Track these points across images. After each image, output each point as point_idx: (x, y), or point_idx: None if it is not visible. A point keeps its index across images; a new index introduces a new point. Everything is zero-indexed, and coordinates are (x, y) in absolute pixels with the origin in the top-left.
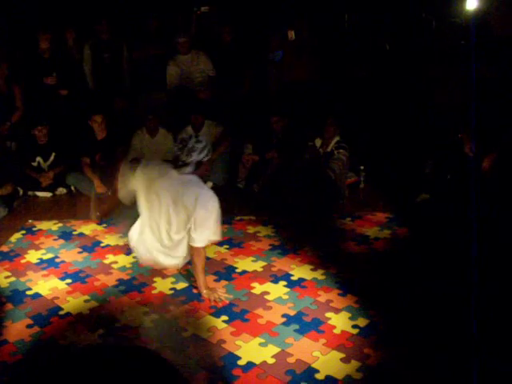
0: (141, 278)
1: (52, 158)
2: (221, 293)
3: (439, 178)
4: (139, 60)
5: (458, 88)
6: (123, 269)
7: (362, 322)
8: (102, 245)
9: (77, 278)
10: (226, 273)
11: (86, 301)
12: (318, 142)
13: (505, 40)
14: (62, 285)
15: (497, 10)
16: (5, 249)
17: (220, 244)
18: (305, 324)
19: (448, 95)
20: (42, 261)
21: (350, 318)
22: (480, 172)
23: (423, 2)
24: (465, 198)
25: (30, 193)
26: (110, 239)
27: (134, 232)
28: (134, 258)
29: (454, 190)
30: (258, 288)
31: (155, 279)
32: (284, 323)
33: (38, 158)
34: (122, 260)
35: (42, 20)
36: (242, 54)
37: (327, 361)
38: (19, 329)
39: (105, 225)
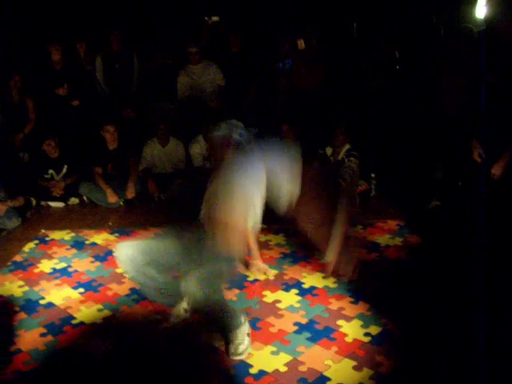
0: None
1: (64, 170)
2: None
3: (450, 184)
4: (150, 70)
5: (467, 94)
6: None
7: (373, 329)
8: (114, 254)
9: (89, 287)
10: (238, 281)
11: (98, 310)
12: (329, 151)
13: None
14: (74, 294)
15: (504, 17)
16: (18, 258)
17: None
18: (316, 332)
19: (458, 101)
20: (54, 270)
21: (362, 326)
22: (490, 178)
23: (433, 8)
24: (476, 204)
25: (42, 203)
26: None
27: None
28: None
29: (465, 197)
30: (269, 296)
31: None
32: (296, 331)
33: (51, 171)
34: None
35: (54, 32)
36: (250, 63)
37: (339, 369)
38: (33, 338)
39: (117, 234)
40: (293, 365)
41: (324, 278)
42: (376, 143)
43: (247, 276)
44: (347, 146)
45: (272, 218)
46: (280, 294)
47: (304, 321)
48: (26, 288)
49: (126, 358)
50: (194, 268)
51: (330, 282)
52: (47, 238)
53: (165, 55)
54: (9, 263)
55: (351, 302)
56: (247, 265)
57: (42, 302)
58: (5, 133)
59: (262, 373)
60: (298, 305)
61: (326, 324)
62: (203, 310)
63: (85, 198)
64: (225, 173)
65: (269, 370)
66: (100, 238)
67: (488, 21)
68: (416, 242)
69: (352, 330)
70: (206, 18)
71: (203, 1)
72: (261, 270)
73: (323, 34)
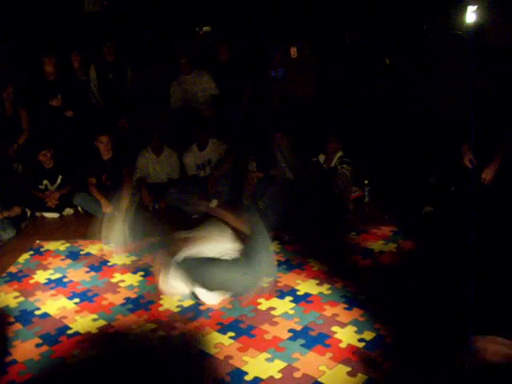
0: (148, 295)
1: (59, 181)
2: None
3: (443, 190)
4: (143, 80)
5: (457, 99)
6: (130, 287)
7: (367, 335)
8: (109, 264)
9: (85, 297)
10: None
11: (94, 320)
12: (322, 158)
13: (500, 51)
14: (70, 304)
15: (492, 21)
16: (13, 269)
17: None
18: (311, 338)
19: (448, 107)
20: (50, 281)
21: (356, 332)
22: (480, 183)
23: (423, 15)
24: (467, 209)
25: (37, 214)
26: (116, 258)
27: None
28: (140, 276)
29: (458, 202)
30: (264, 304)
31: (162, 297)
32: (290, 338)
33: (45, 182)
34: (129, 279)
35: (47, 43)
36: (241, 72)
37: (334, 375)
38: (28, 348)
39: (112, 244)
40: (288, 371)
41: (318, 284)
42: (369, 150)
43: None
44: (340, 153)
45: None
46: (274, 302)
47: (298, 327)
48: (22, 299)
49: (121, 367)
50: None
51: (325, 289)
52: (42, 249)
53: (158, 66)
54: (4, 274)
55: (345, 309)
56: None
57: (37, 312)
58: None
59: (257, 380)
60: (292, 312)
61: (320, 330)
62: None
63: (79, 208)
64: None
65: (264, 376)
66: (95, 248)
67: (478, 27)
68: (410, 247)
69: (346, 335)
70: (197, 29)
71: (195, 11)
72: None
73: (315, 42)
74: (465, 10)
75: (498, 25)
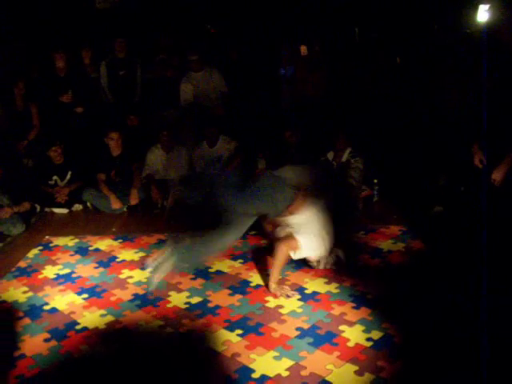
0: (156, 292)
1: (68, 176)
2: (286, 290)
3: (453, 190)
4: (154, 77)
5: (467, 99)
6: (138, 283)
7: (375, 334)
8: (117, 260)
9: (93, 292)
10: (241, 287)
11: (102, 315)
12: (331, 155)
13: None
14: (78, 299)
15: (505, 20)
16: (22, 264)
17: (234, 258)
18: (318, 337)
19: (458, 106)
20: (58, 276)
21: (364, 331)
22: (490, 184)
23: (434, 13)
24: (478, 210)
25: (46, 209)
26: (125, 254)
27: None
28: (149, 272)
29: (468, 202)
30: (272, 302)
31: (170, 293)
32: (298, 336)
33: (55, 177)
34: (138, 275)
35: (58, 39)
36: (251, 70)
37: (341, 373)
38: (37, 343)
39: (120, 240)
40: (295, 369)
41: (326, 283)
42: (378, 149)
43: (250, 281)
44: (349, 149)
45: None
46: (282, 300)
47: (306, 326)
48: (30, 294)
49: (128, 363)
50: None
51: (333, 288)
52: (51, 244)
53: (168, 62)
54: (13, 269)
55: (353, 308)
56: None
57: (45, 307)
58: (9, 139)
59: (264, 377)
60: (300, 310)
61: (327, 329)
62: None
63: (88, 204)
64: None
65: (271, 374)
66: (103, 244)
67: (490, 26)
68: (418, 247)
69: (354, 334)
70: (209, 26)
71: (205, 8)
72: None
73: (325, 40)
74: (477, 8)
75: (510, 24)
